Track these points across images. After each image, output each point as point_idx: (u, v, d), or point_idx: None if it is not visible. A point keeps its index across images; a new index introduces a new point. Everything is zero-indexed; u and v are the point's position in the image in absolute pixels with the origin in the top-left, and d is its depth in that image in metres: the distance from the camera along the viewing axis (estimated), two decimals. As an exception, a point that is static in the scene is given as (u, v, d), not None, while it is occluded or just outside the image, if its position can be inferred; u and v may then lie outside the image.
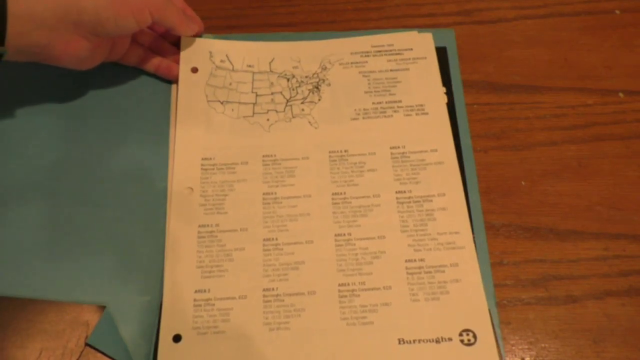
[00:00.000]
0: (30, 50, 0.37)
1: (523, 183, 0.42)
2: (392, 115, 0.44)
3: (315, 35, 0.49)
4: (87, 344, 0.36)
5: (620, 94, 0.46)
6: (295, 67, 0.47)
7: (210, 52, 0.47)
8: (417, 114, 0.44)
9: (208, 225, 0.40)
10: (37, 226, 0.40)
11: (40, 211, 0.41)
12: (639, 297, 0.38)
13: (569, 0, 0.51)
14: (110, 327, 0.37)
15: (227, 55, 0.47)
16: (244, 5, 0.52)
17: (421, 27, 0.49)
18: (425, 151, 0.43)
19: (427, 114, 0.44)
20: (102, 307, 0.37)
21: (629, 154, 0.43)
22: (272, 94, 0.46)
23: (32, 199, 0.41)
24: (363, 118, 0.45)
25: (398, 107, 0.45)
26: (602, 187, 0.42)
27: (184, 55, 0.46)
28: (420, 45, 0.48)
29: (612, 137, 0.44)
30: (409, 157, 0.43)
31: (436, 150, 0.43)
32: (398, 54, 0.47)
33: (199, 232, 0.40)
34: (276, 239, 0.40)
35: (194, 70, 0.46)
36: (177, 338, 0.37)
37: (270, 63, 0.47)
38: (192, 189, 0.42)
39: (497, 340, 0.36)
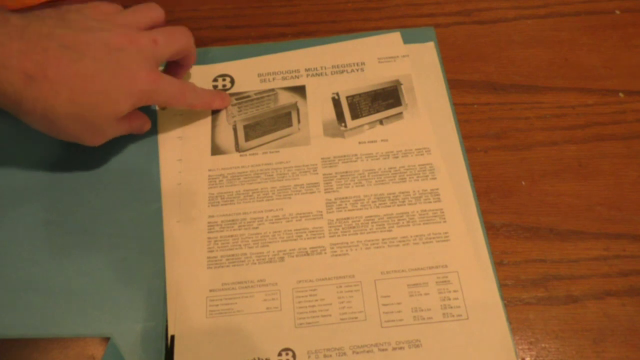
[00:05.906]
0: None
1: (523, 183, 0.42)
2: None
3: (315, 41, 0.49)
4: None
5: (621, 94, 0.46)
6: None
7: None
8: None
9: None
10: (30, 260, 0.39)
11: (33, 243, 0.39)
12: (639, 297, 0.38)
13: (569, 0, 0.51)
14: (117, 359, 0.35)
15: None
16: (244, 5, 0.52)
17: (421, 27, 0.49)
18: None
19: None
20: (107, 339, 0.36)
21: (629, 154, 0.43)
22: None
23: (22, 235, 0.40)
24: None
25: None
26: (602, 187, 0.42)
27: None
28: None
29: (612, 137, 0.44)
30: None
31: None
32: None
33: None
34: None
35: None
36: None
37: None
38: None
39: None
